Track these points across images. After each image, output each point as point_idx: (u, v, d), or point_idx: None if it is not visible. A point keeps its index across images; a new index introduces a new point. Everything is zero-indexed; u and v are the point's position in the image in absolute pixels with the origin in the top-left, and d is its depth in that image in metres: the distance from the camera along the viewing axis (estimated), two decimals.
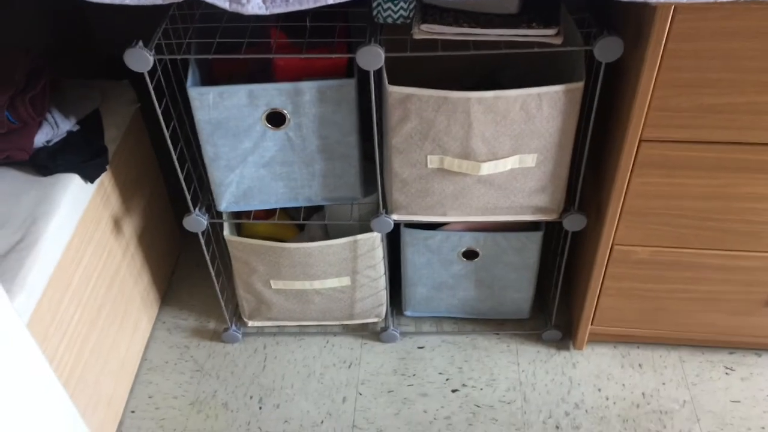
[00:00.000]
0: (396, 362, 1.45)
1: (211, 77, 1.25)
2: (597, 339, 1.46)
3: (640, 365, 1.42)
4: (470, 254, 1.36)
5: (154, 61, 1.04)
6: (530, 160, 1.14)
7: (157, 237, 1.55)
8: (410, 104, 1.08)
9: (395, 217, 1.25)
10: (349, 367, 1.45)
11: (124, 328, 1.37)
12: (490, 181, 1.17)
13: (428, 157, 1.14)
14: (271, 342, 1.51)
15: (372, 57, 1.02)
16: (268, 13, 0.86)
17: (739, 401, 1.35)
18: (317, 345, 1.49)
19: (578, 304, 1.39)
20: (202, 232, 1.30)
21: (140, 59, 1.02)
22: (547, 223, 1.34)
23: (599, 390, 1.38)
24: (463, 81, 1.32)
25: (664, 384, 1.39)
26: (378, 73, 1.09)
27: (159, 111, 1.11)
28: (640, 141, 1.07)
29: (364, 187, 1.29)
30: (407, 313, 1.52)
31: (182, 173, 1.21)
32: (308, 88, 1.12)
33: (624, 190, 1.13)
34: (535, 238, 1.33)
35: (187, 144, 1.26)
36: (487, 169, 1.14)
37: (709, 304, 1.30)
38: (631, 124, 1.04)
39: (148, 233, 1.49)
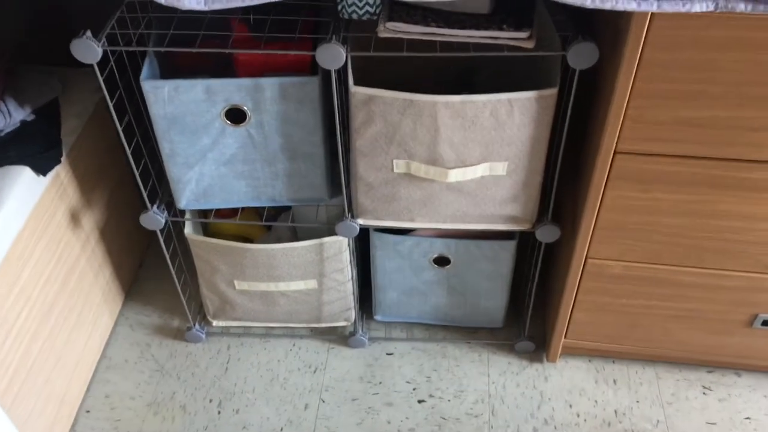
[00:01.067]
0: (363, 369, 1.41)
1: (174, 69, 1.20)
2: (571, 352, 1.41)
3: (614, 381, 1.37)
4: (442, 261, 1.31)
5: (106, 52, 0.99)
6: (501, 168, 1.09)
7: (122, 230, 1.50)
8: (374, 106, 1.02)
9: (361, 221, 1.20)
10: (314, 372, 1.40)
11: (82, 323, 1.33)
12: (459, 188, 1.12)
13: (394, 161, 1.09)
14: (236, 343, 1.46)
15: (332, 55, 0.96)
16: (207, 8, 0.80)
17: (715, 423, 1.30)
18: (283, 348, 1.45)
19: (552, 316, 1.34)
20: (161, 230, 1.25)
21: (88, 50, 0.97)
22: (522, 232, 1.29)
23: (570, 406, 1.33)
24: (436, 80, 1.26)
25: (638, 402, 1.34)
26: (343, 70, 1.03)
27: (110, 104, 1.06)
28: (615, 153, 1.01)
29: (332, 188, 1.23)
30: (377, 317, 1.47)
31: (137, 169, 1.16)
32: (269, 84, 1.06)
33: (598, 203, 1.08)
34: (508, 246, 1.28)
35: (145, 139, 1.21)
36: (455, 176, 1.09)
37: (687, 321, 1.24)
38: (606, 134, 0.99)
39: (111, 226, 1.44)
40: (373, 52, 0.98)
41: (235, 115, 1.10)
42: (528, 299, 1.40)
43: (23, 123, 1.19)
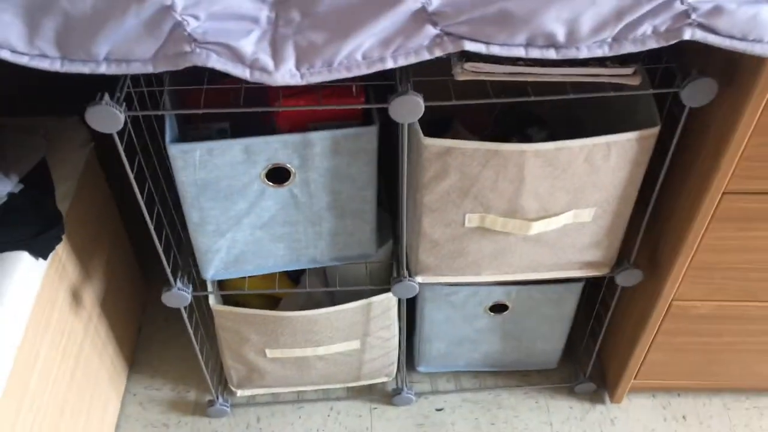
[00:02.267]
0: (413, 429, 1.27)
1: (184, 108, 1.02)
2: (634, 388, 1.31)
3: (683, 417, 1.28)
4: (499, 308, 1.18)
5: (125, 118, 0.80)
6: (587, 215, 0.96)
7: (120, 298, 1.30)
8: (451, 158, 0.87)
9: (420, 279, 1.06)
10: None
11: (92, 417, 1.14)
12: (538, 238, 0.98)
13: (467, 216, 0.95)
14: (266, 413, 1.29)
15: (410, 108, 0.81)
16: (304, 83, 0.64)
17: None
18: (320, 414, 1.29)
19: (619, 358, 1.23)
20: (185, 306, 1.07)
21: (110, 118, 0.78)
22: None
23: None
24: (491, 109, 1.12)
25: None
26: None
27: (131, 176, 0.87)
28: (723, 194, 0.90)
29: (378, 242, 1.08)
30: (420, 368, 1.33)
31: (160, 241, 0.98)
32: (320, 139, 0.90)
33: (696, 245, 0.97)
34: (575, 289, 1.16)
35: (162, 203, 1.03)
36: (538, 228, 0.95)
37: (766, 354, 1.16)
38: (717, 175, 0.87)
39: (111, 297, 1.25)
40: (455, 100, 0.83)
41: (278, 175, 0.94)
42: (591, 342, 1.29)
43: (11, 196, 0.98)
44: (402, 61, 0.72)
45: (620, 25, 0.72)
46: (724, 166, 0.86)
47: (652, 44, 0.72)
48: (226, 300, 1.22)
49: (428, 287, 1.14)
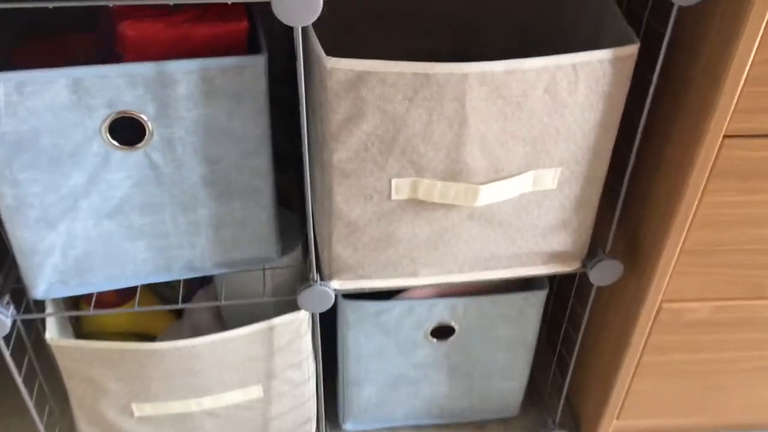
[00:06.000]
0: None
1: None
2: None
3: None
4: (443, 331, 0.92)
5: None
6: (550, 179, 0.73)
7: None
8: (365, 90, 0.63)
9: (336, 284, 0.79)
10: None
11: None
12: (489, 215, 0.74)
13: (393, 181, 0.70)
14: None
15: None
16: None
17: None
18: None
19: (597, 392, 0.97)
20: (5, 337, 0.76)
21: None
22: (552, 277, 0.93)
23: None
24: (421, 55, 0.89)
25: None
26: (304, 38, 0.64)
27: None
28: (724, 137, 0.68)
29: (280, 241, 0.82)
30: (347, 426, 1.03)
31: None
32: (183, 72, 0.64)
33: (690, 218, 0.74)
34: (537, 300, 0.91)
35: None
36: (488, 196, 0.71)
37: None
38: (717, 109, 0.66)
39: None
40: None
41: (128, 131, 0.67)
42: (555, 373, 1.03)
43: None
44: None
45: None
46: (724, 97, 0.65)
47: None
48: (81, 334, 0.91)
49: (350, 306, 0.87)
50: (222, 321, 0.96)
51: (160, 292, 1.00)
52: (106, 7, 0.70)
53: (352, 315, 0.88)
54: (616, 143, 0.73)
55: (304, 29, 0.64)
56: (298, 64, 0.62)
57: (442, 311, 0.89)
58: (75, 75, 0.62)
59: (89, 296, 0.89)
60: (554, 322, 1.08)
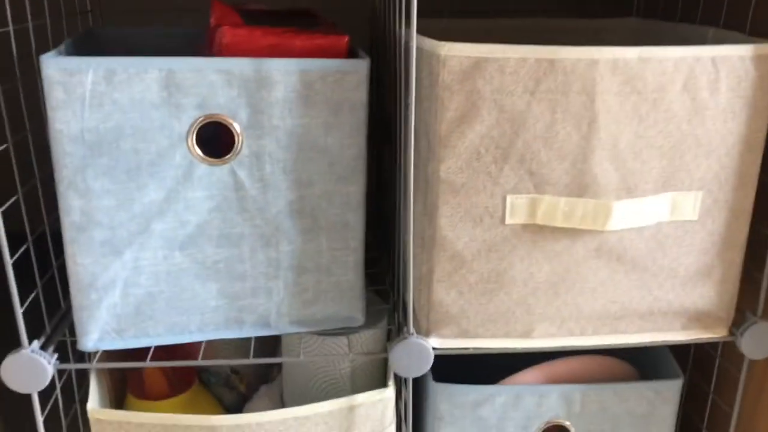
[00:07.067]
0: None
1: None
2: None
3: None
4: None
5: None
6: (690, 206, 0.62)
7: None
8: (482, 81, 0.57)
9: (436, 342, 0.66)
10: None
11: None
12: (620, 250, 0.63)
13: (509, 198, 0.61)
14: None
15: None
16: None
17: None
18: None
19: None
20: (42, 391, 0.64)
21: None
22: (695, 346, 0.78)
23: None
24: None
25: None
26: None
27: None
28: None
29: (365, 298, 0.70)
30: None
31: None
32: (282, 72, 0.60)
33: None
34: (672, 392, 0.74)
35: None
36: (621, 216, 0.61)
37: None
38: None
39: None
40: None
41: (212, 141, 0.61)
42: None
43: None
44: None
45: None
46: None
47: None
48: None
49: (444, 392, 0.72)
50: (281, 400, 0.81)
51: (218, 393, 0.86)
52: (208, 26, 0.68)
53: (445, 405, 0.73)
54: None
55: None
56: (408, 61, 0.57)
57: (555, 405, 0.73)
58: (169, 66, 0.57)
59: (136, 382, 0.77)
60: (686, 418, 0.88)
